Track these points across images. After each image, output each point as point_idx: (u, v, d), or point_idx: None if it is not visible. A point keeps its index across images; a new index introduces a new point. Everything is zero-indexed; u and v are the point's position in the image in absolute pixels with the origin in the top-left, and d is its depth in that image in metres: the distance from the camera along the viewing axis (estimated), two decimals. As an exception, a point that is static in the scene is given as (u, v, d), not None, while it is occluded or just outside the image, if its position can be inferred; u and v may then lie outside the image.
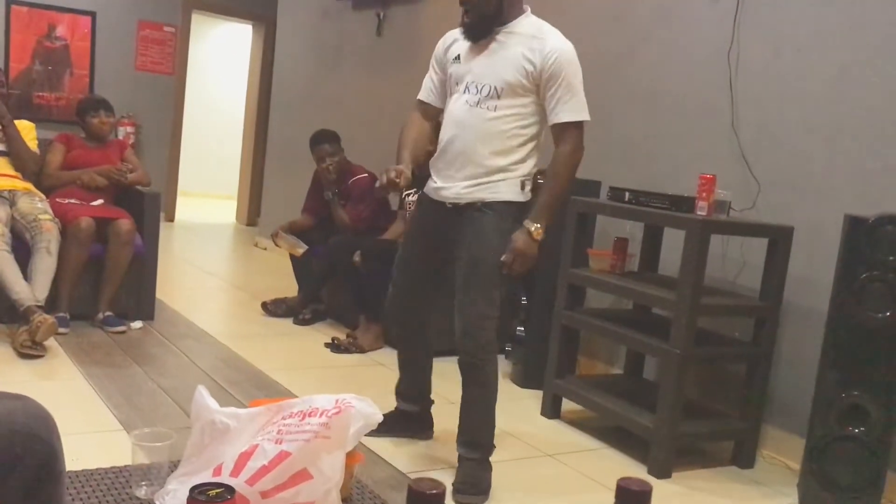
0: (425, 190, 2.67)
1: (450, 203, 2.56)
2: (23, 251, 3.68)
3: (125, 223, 3.96)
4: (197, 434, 1.51)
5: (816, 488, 2.59)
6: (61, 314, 3.73)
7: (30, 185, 4.01)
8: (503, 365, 3.87)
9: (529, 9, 2.53)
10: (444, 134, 2.57)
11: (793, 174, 3.11)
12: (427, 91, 2.71)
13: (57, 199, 4.05)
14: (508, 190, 2.49)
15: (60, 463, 1.22)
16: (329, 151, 4.62)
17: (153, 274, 4.21)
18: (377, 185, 2.52)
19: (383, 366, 3.81)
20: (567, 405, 3.33)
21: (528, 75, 2.42)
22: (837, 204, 2.91)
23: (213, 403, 1.51)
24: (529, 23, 2.49)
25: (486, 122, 2.45)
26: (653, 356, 3.38)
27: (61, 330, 3.62)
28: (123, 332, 3.88)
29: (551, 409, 3.34)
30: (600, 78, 3.83)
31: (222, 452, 1.50)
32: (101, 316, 3.93)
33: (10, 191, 3.89)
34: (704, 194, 2.90)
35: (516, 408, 3.40)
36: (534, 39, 2.44)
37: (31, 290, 3.52)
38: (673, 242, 3.27)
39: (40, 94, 7.22)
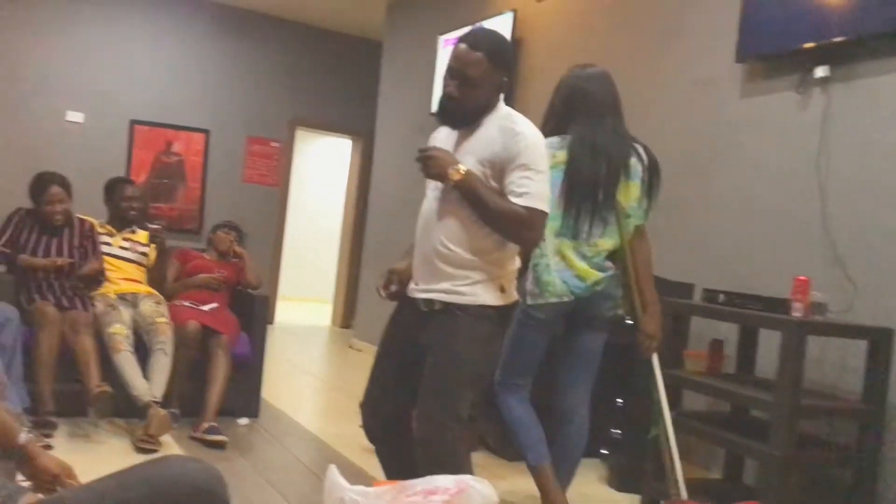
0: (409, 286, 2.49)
1: (423, 306, 2.37)
2: (143, 351, 3.92)
3: (223, 339, 4.12)
4: (328, 511, 1.63)
5: None
6: (172, 410, 3.92)
7: (151, 289, 4.31)
8: (600, 468, 3.88)
9: (502, 101, 2.41)
10: (416, 235, 2.43)
11: (890, 277, 3.11)
12: None
13: (174, 302, 4.34)
14: (485, 292, 2.28)
15: None
16: None
17: (259, 373, 4.41)
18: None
19: (478, 466, 3.85)
20: (665, 509, 3.30)
21: (493, 158, 2.25)
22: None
23: (343, 482, 1.63)
24: (501, 114, 2.35)
25: (450, 213, 2.27)
26: (752, 459, 3.34)
27: (173, 426, 3.80)
28: (222, 445, 3.74)
29: (649, 513, 3.31)
30: (689, 181, 3.94)
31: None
32: (205, 425, 3.84)
33: (133, 294, 4.20)
34: (800, 296, 2.93)
35: (614, 511, 3.39)
36: (503, 130, 2.27)
37: (149, 388, 3.75)
38: (768, 343, 3.28)
39: (156, 205, 7.74)
